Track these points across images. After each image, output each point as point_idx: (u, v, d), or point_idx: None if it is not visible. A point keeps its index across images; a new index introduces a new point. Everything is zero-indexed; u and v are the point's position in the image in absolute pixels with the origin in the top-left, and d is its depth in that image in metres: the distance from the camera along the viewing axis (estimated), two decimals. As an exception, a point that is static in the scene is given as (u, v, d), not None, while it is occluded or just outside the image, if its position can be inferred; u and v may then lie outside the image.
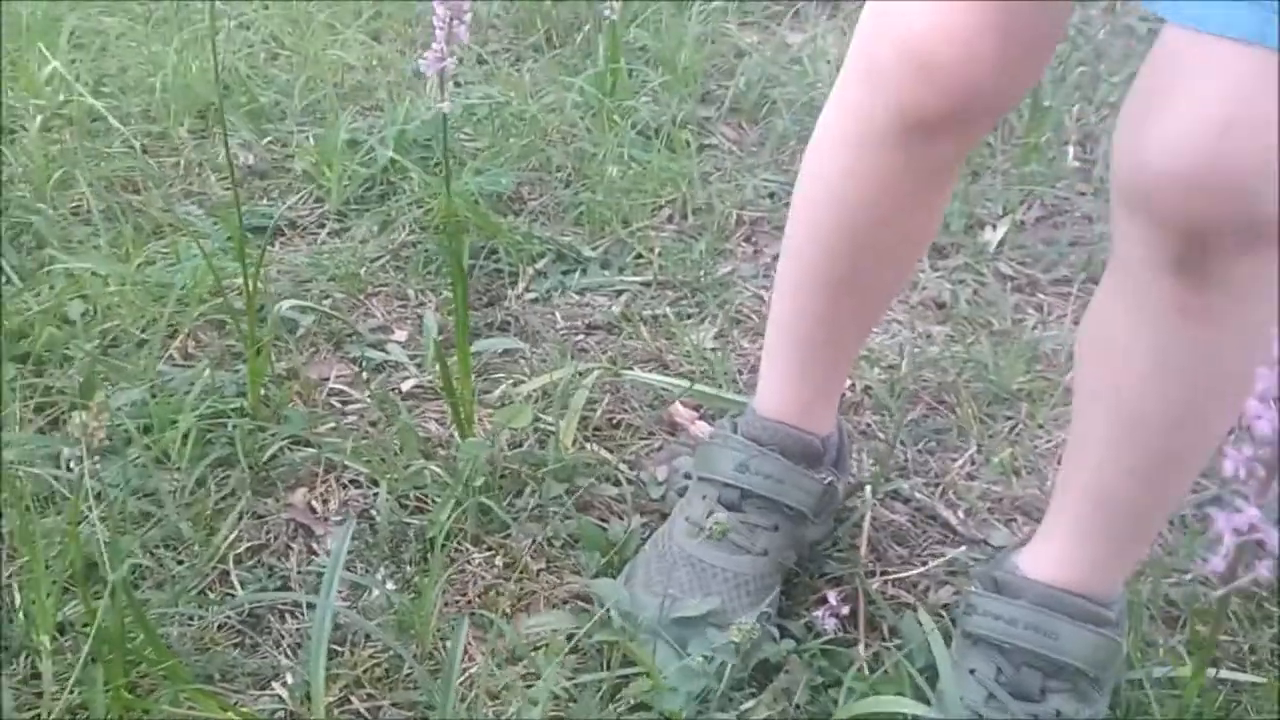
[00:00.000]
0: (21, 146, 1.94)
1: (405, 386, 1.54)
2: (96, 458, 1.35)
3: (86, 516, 1.20)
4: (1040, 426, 1.57)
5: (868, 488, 1.38)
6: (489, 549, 1.25)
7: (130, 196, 1.94)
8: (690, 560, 1.12)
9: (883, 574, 1.28)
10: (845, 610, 1.14)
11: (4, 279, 1.58)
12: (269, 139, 2.16)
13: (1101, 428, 0.92)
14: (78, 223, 1.83)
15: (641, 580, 1.12)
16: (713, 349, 1.71)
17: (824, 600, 1.17)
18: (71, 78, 2.07)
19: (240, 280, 1.49)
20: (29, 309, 1.49)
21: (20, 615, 1.05)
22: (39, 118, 2.00)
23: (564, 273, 1.89)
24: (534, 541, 1.26)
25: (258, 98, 2.21)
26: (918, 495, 1.42)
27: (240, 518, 1.25)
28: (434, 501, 1.30)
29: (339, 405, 1.51)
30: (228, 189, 2.07)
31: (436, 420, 1.48)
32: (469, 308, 1.65)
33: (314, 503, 1.30)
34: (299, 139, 2.17)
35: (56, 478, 1.23)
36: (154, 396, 1.41)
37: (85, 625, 1.08)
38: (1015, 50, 0.87)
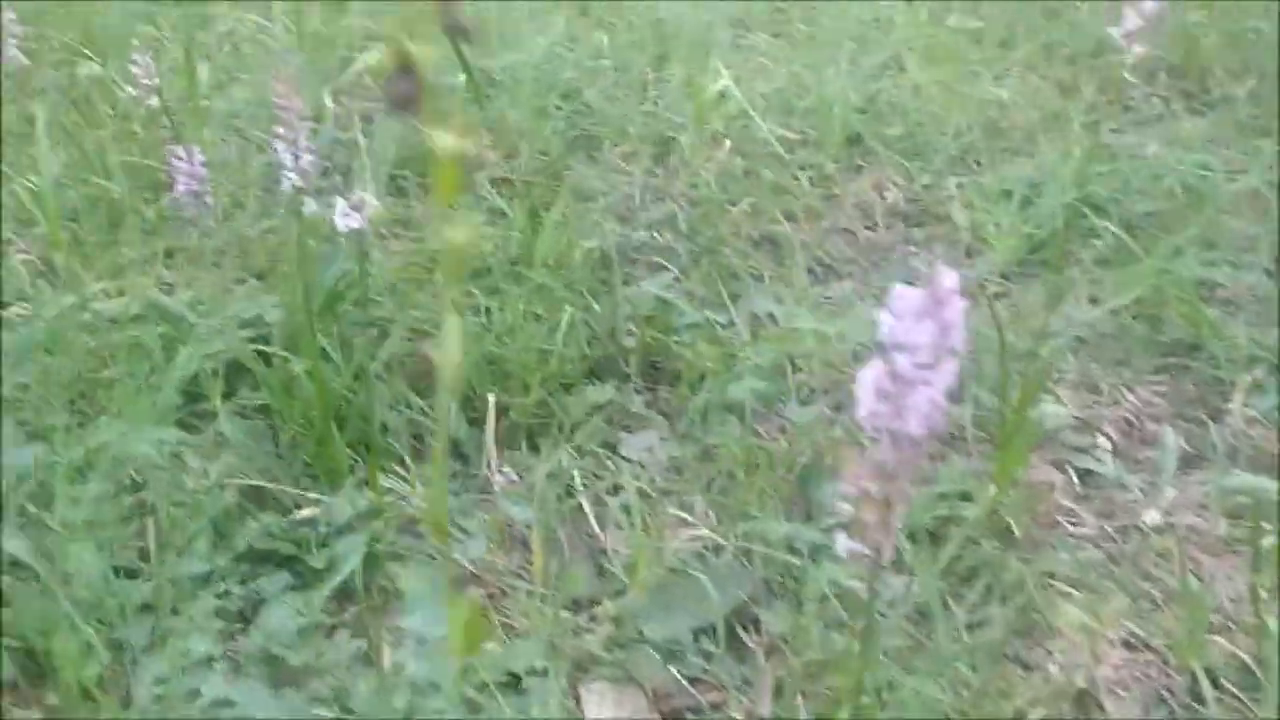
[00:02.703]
0: (696, 172, 1.91)
1: (1147, 518, 1.31)
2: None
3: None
4: None
5: None
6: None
7: (774, 228, 1.86)
8: None
9: None
10: None
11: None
12: (920, 182, 2.01)
13: None
14: (757, 253, 1.77)
15: None
16: None
17: None
18: (742, 99, 2.02)
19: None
20: (751, 360, 1.42)
21: None
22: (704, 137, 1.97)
23: (1286, 389, 1.58)
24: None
25: (912, 134, 2.07)
26: None
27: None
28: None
29: (1068, 524, 1.31)
30: (869, 228, 1.95)
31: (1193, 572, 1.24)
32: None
33: (1091, 661, 1.11)
34: (951, 184, 2.00)
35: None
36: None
37: None
38: None
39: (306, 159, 1.04)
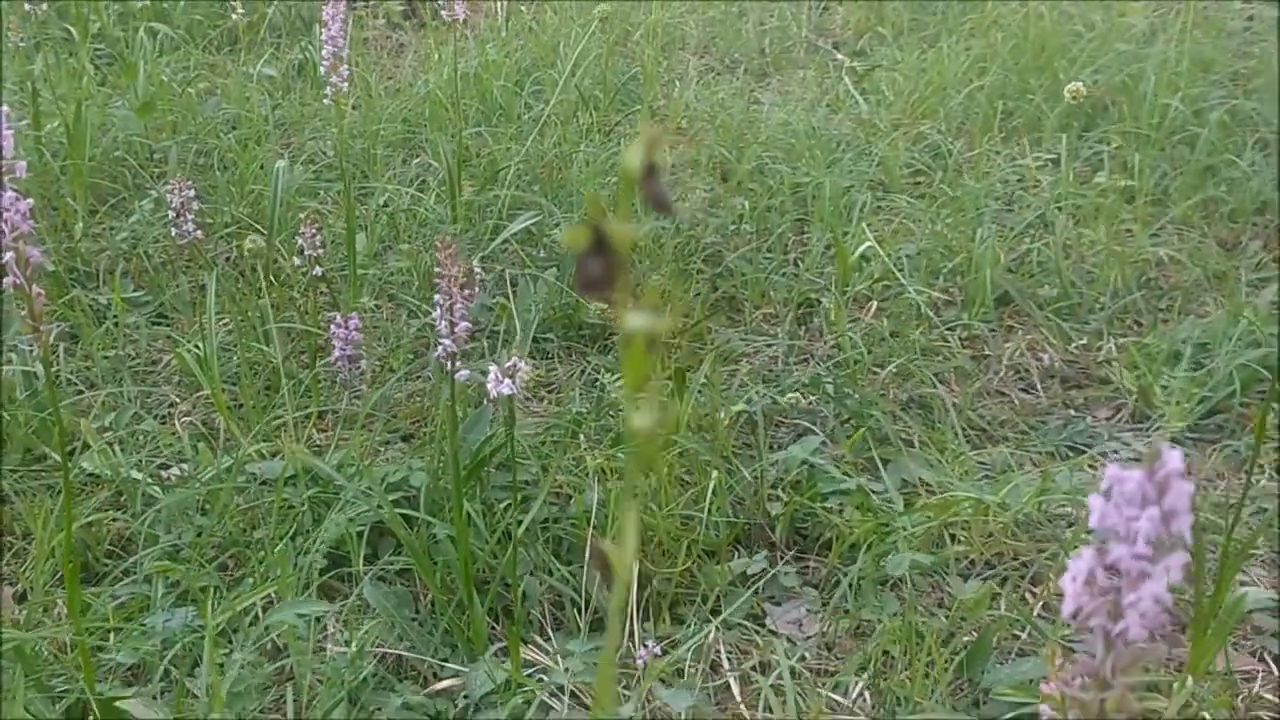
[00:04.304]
0: (841, 333, 1.88)
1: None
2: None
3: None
4: None
5: None
6: None
7: (924, 391, 1.79)
8: None
9: None
10: None
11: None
12: (1077, 343, 1.93)
13: None
14: (907, 416, 1.71)
15: None
16: None
17: None
18: (887, 259, 1.99)
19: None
20: (906, 530, 1.35)
21: None
22: (847, 298, 1.94)
23: None
24: None
25: (1066, 294, 2.00)
26: None
27: None
28: None
29: (1271, 723, 1.17)
30: (1024, 390, 1.87)
31: None
32: None
33: None
34: (1111, 345, 1.91)
35: None
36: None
37: None
38: None
39: (461, 326, 1.05)
